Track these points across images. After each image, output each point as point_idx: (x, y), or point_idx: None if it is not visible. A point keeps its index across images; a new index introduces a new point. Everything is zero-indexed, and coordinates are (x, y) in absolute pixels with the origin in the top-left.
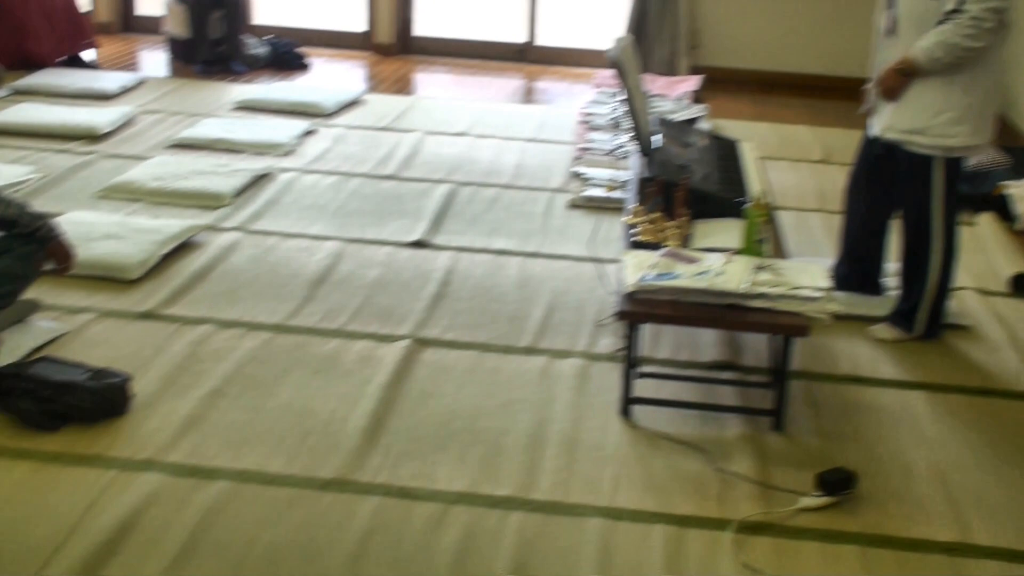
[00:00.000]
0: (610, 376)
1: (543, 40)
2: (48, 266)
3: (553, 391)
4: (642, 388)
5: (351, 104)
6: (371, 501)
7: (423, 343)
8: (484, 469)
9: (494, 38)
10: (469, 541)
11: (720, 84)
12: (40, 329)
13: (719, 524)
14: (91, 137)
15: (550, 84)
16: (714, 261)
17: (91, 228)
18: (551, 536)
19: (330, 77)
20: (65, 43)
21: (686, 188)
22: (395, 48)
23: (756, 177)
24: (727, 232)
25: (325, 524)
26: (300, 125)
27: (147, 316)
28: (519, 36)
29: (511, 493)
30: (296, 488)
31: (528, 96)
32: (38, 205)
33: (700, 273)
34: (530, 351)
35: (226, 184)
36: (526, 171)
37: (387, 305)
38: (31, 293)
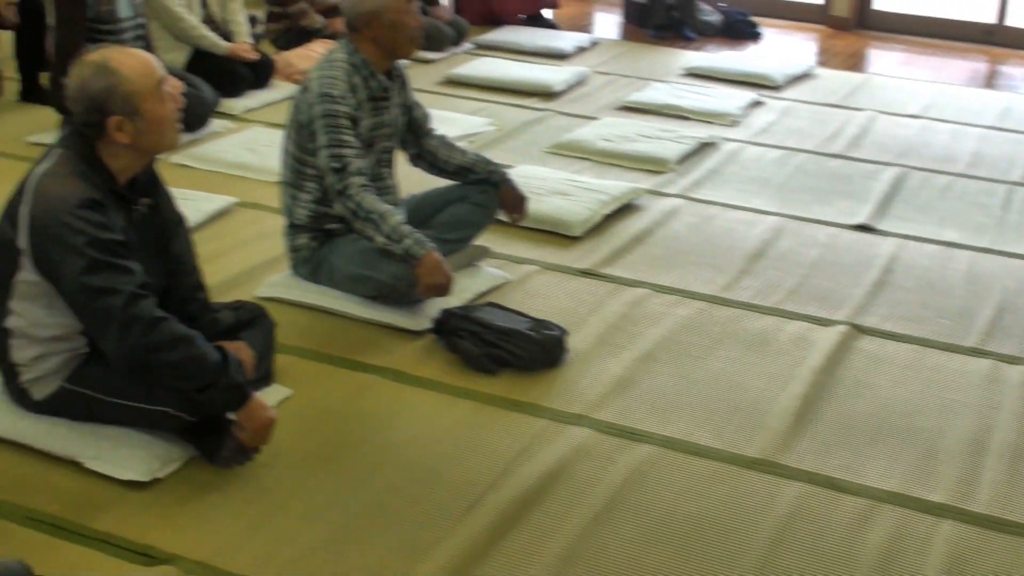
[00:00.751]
0: None
1: (1015, 21)
2: (501, 215)
3: (998, 398)
4: None
5: (801, 78)
6: (795, 487)
7: (860, 331)
8: (917, 470)
9: (960, 16)
10: (896, 543)
11: None
12: (488, 275)
13: None
14: (545, 94)
15: (1018, 70)
16: None
17: (540, 183)
18: (987, 552)
19: (781, 49)
20: (528, 2)
21: None
22: (851, 22)
23: None
24: None
25: (746, 503)
26: (748, 96)
27: (586, 273)
28: (988, 16)
29: (945, 500)
30: (720, 462)
31: (990, 81)
32: (492, 156)
33: None
34: (976, 352)
35: (671, 150)
36: (984, 160)
37: (825, 287)
38: (483, 239)
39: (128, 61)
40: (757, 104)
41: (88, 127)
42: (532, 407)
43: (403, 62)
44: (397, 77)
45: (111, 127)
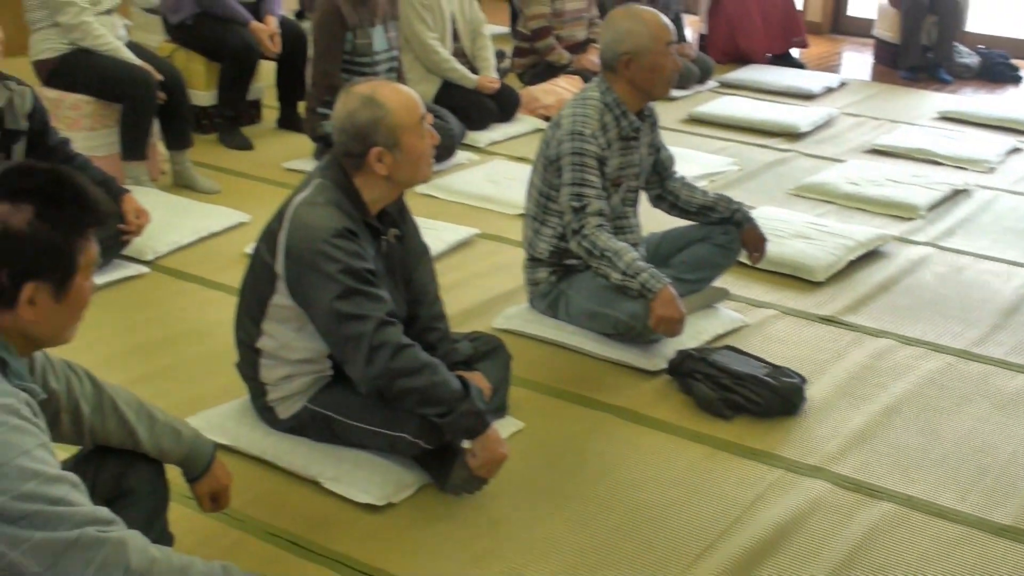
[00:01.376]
0: None
1: None
2: (740, 256)
3: None
4: None
5: None
6: None
7: None
8: None
9: None
10: None
11: None
12: (725, 317)
13: None
14: (790, 135)
15: None
16: None
17: (782, 225)
18: None
19: None
20: (776, 41)
21: None
22: None
23: None
24: None
25: (995, 572)
26: (1006, 142)
27: (828, 321)
28: None
29: None
30: (966, 527)
31: None
32: (733, 196)
33: None
34: None
35: (921, 196)
36: None
37: None
38: (721, 281)
39: (394, 96)
40: (1015, 151)
41: (349, 156)
42: (767, 455)
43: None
44: (648, 117)
45: (372, 158)
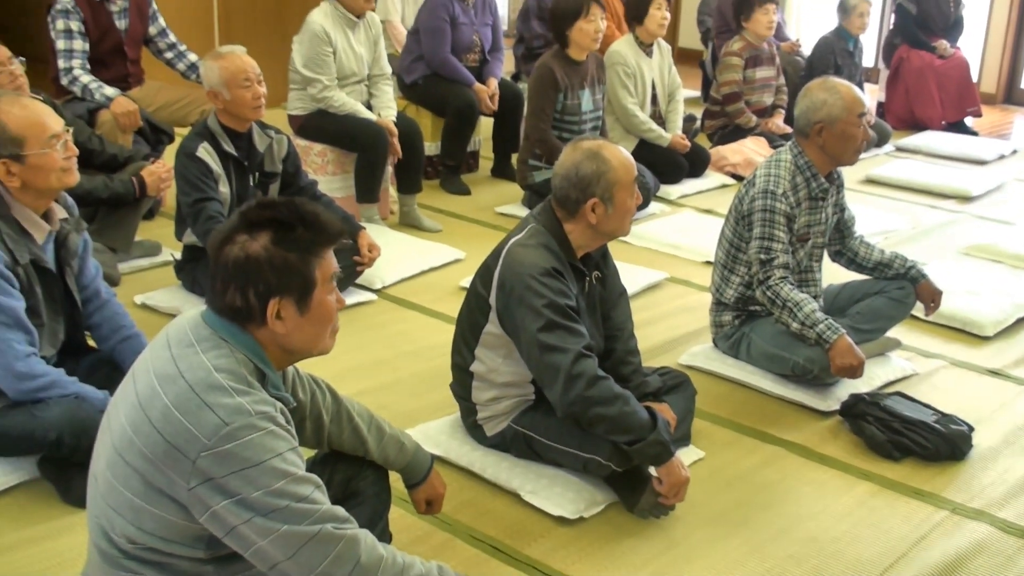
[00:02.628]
0: None
1: None
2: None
3: None
4: None
5: None
6: None
7: None
8: None
9: None
10: None
11: None
12: (896, 366)
13: None
14: (962, 198)
15: None
16: None
17: (953, 282)
18: None
19: None
20: (951, 110)
21: None
22: None
23: None
24: None
25: None
26: None
27: (995, 373)
28: None
29: None
30: None
31: None
32: (905, 253)
33: None
34: None
35: None
36: None
37: None
38: (893, 332)
39: (617, 155)
40: None
41: (566, 203)
42: (933, 497)
43: None
44: (836, 180)
45: (587, 207)
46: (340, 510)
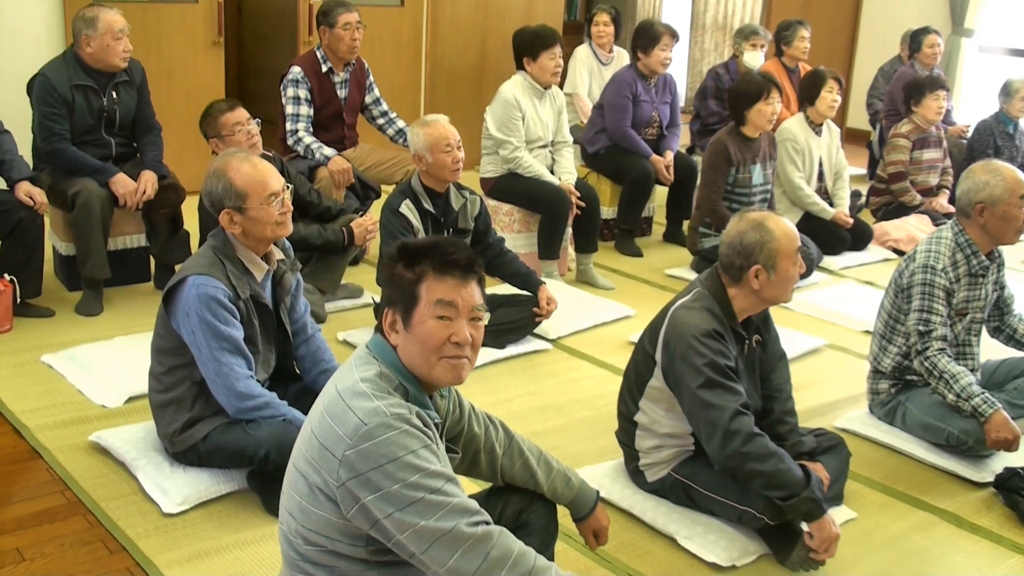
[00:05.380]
0: None
1: None
2: None
3: None
4: None
5: None
6: None
7: None
8: None
9: None
10: None
11: None
12: None
13: None
14: None
15: None
16: None
17: None
18: None
19: None
20: None
21: None
22: None
23: None
24: None
25: None
26: None
27: None
28: None
29: None
30: None
31: None
32: None
33: None
34: None
35: None
36: None
37: None
38: None
39: (780, 226)
40: None
41: (731, 269)
42: None
43: None
44: (996, 259)
45: (751, 274)
46: (473, 503)
